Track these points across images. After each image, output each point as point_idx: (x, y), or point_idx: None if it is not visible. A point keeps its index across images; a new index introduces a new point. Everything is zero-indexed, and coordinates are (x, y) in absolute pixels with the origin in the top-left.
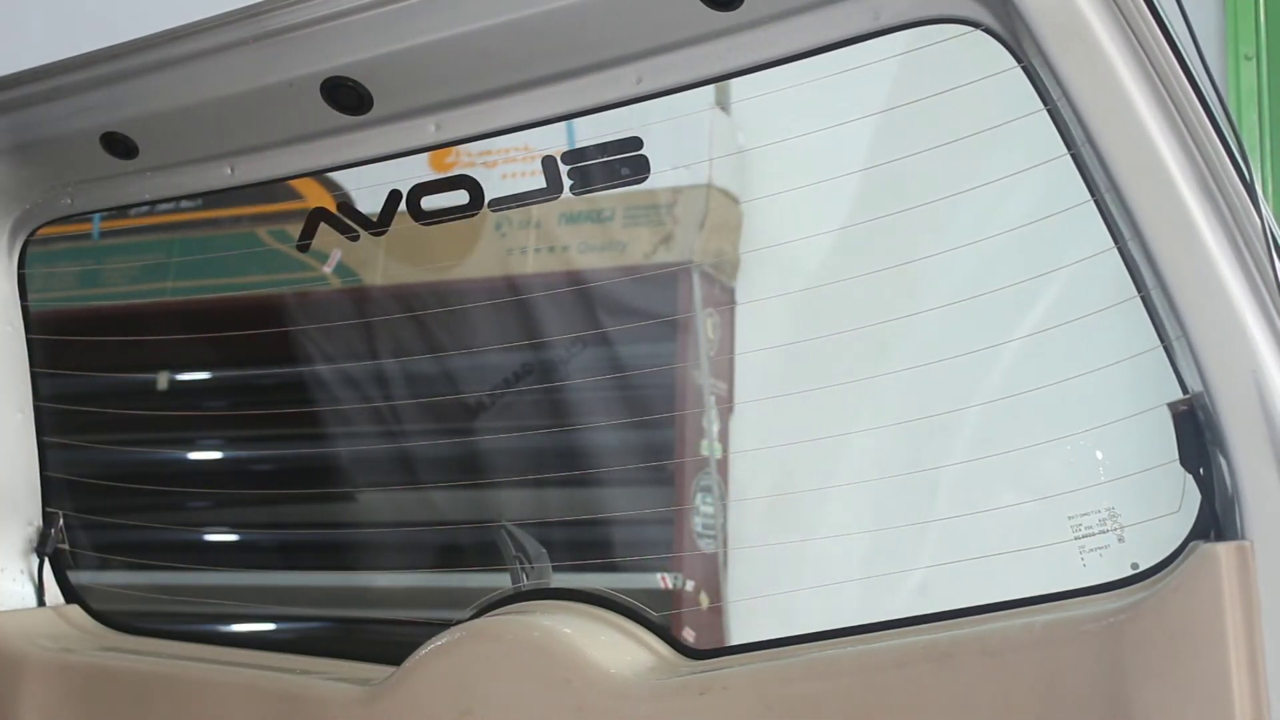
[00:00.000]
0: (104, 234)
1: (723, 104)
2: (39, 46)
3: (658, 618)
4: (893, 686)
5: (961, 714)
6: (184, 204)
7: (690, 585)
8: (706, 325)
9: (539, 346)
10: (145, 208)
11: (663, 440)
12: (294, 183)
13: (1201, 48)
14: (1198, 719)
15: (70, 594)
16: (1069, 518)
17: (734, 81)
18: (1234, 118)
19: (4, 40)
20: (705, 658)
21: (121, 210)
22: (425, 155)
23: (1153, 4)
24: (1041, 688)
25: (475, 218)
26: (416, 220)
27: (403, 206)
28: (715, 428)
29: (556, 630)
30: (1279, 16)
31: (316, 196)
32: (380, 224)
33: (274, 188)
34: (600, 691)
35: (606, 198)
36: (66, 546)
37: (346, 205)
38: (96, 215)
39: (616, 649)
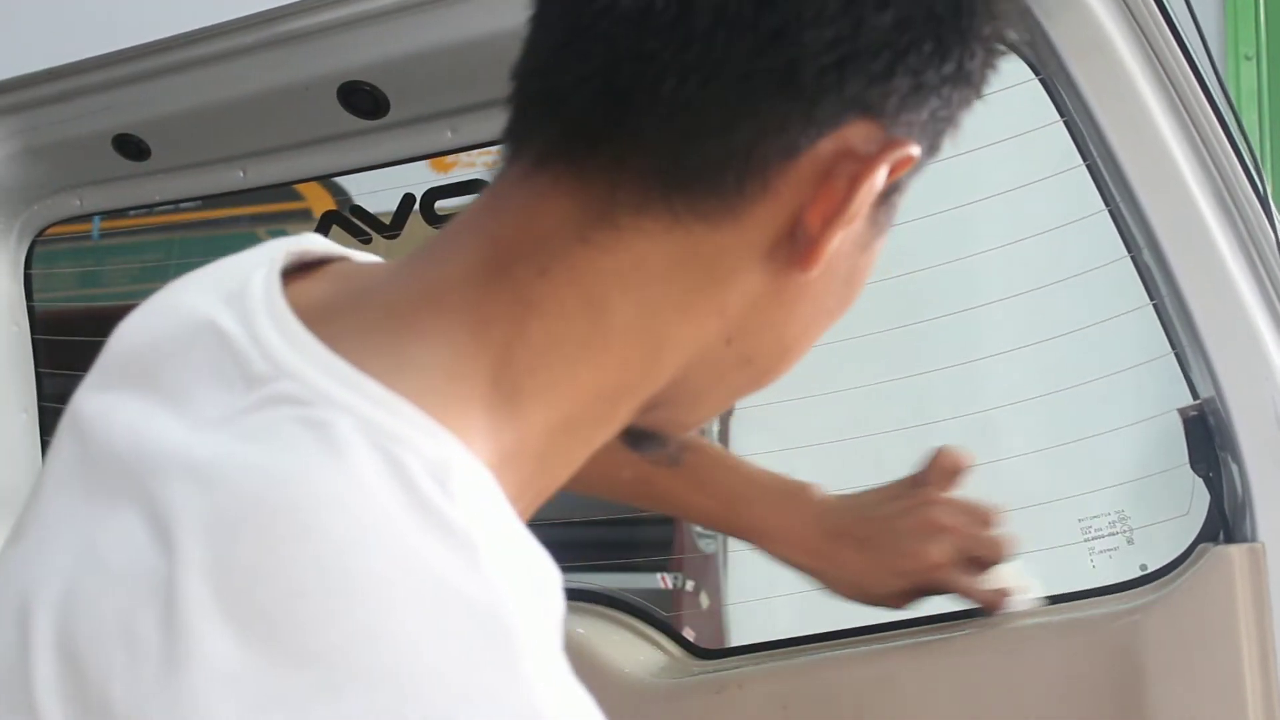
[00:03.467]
0: (104, 234)
1: None
2: (42, 49)
3: (667, 618)
4: (907, 686)
5: (976, 713)
6: (184, 205)
7: (690, 585)
8: None
9: None
10: (144, 209)
11: None
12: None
13: (1214, 59)
14: (1210, 719)
15: None
16: (1079, 520)
17: None
18: (1246, 129)
19: (7, 41)
20: (717, 657)
21: (120, 211)
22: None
23: (1169, 17)
24: (1054, 688)
25: None
26: (430, 224)
27: (415, 209)
28: (715, 428)
29: (569, 630)
30: (1279, 16)
31: (315, 197)
32: (394, 227)
33: (272, 189)
34: (615, 691)
35: None
36: None
37: (359, 209)
38: (96, 216)
39: (629, 649)
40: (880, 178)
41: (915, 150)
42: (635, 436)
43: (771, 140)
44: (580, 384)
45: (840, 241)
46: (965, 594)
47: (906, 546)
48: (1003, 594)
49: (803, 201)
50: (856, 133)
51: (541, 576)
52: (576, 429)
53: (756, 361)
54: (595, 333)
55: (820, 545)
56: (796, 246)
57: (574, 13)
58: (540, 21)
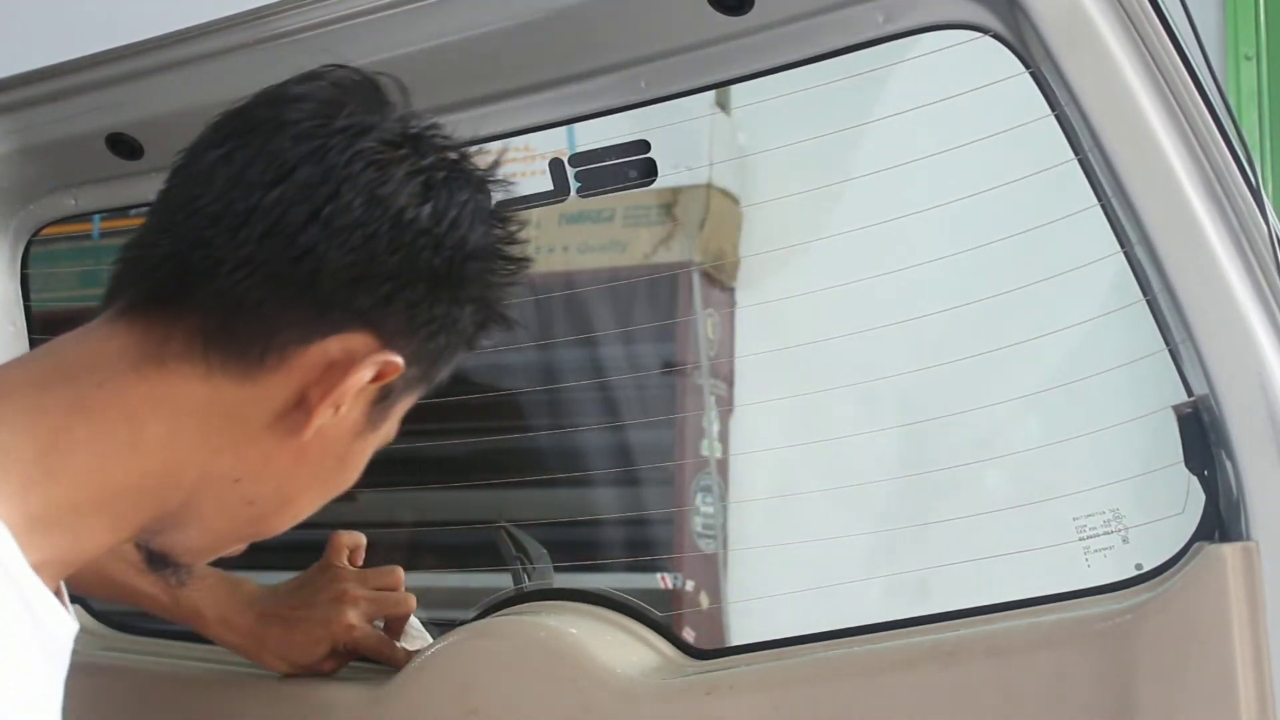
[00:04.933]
0: (104, 234)
1: (723, 104)
2: (42, 48)
3: (662, 618)
4: (899, 686)
5: (968, 713)
6: None
7: (690, 585)
8: (707, 326)
9: (539, 347)
10: (145, 208)
11: (662, 440)
12: None
13: (1207, 53)
14: (1204, 718)
15: (72, 594)
16: (1073, 519)
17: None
18: (1239, 122)
19: (6, 41)
20: (710, 658)
21: (121, 210)
22: None
23: (1160, 10)
24: (1048, 687)
25: None
26: None
27: None
28: (715, 428)
29: (562, 630)
30: (1279, 16)
31: None
32: None
33: None
34: (606, 691)
35: (606, 198)
36: None
37: None
38: (96, 216)
39: (622, 649)
40: (364, 376)
41: (398, 361)
42: (153, 559)
43: (291, 330)
44: (111, 477)
45: (332, 420)
46: (376, 652)
47: (322, 616)
48: (409, 653)
49: (308, 381)
50: (357, 339)
51: (35, 620)
52: (103, 513)
53: (258, 504)
54: (130, 442)
55: (252, 627)
56: (299, 415)
57: (175, 207)
58: (153, 212)
